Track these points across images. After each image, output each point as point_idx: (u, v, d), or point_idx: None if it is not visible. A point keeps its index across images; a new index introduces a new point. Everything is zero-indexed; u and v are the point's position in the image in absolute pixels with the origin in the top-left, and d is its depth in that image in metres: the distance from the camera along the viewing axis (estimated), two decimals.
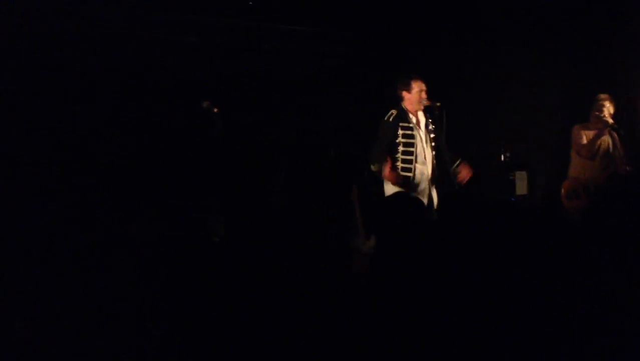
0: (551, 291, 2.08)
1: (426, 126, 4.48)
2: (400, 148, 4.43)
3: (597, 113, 4.94)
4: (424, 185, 4.44)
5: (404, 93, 4.50)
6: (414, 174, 4.41)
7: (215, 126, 4.72)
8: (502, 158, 6.11)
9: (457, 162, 4.48)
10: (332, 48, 6.61)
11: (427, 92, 4.50)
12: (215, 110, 4.74)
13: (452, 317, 2.07)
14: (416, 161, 4.41)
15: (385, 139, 4.42)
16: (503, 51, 6.21)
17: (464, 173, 4.43)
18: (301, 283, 2.27)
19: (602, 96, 4.99)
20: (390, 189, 4.49)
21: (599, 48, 5.72)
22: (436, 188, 4.49)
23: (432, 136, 4.46)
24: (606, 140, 4.97)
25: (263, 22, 6.20)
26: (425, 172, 4.43)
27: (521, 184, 6.03)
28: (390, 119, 4.44)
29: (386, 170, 4.28)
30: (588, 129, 5.03)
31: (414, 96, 4.47)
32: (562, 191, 5.02)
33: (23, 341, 1.90)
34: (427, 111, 4.50)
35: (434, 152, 4.44)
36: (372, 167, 4.41)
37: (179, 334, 1.97)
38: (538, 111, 6.23)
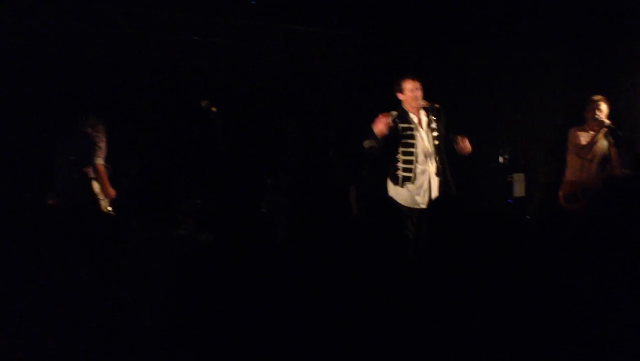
0: (547, 295, 2.08)
1: (429, 124, 4.48)
2: (401, 149, 4.44)
3: (593, 114, 4.92)
4: (425, 183, 4.45)
5: (399, 95, 4.53)
6: (415, 174, 4.41)
7: (214, 125, 4.71)
8: (500, 160, 6.12)
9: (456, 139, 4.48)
10: (332, 49, 6.61)
11: (423, 90, 4.50)
12: (214, 109, 4.73)
13: (444, 318, 2.08)
14: (417, 161, 4.42)
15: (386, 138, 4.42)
16: (502, 54, 6.23)
17: (463, 145, 4.42)
18: (294, 285, 2.27)
19: (597, 97, 4.97)
20: (392, 188, 4.51)
21: (597, 50, 5.74)
22: (438, 186, 4.49)
23: (434, 134, 4.46)
24: (603, 142, 4.96)
25: (265, 22, 6.20)
26: (427, 171, 4.44)
27: (519, 186, 6.04)
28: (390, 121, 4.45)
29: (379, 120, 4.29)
30: (585, 130, 5.02)
31: (408, 96, 4.49)
32: (560, 194, 5.02)
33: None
34: (429, 110, 4.50)
35: (437, 151, 4.45)
36: (365, 145, 4.38)
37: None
38: (536, 113, 6.24)
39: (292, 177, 6.63)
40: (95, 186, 4.85)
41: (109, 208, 4.93)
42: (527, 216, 5.72)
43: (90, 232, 1.99)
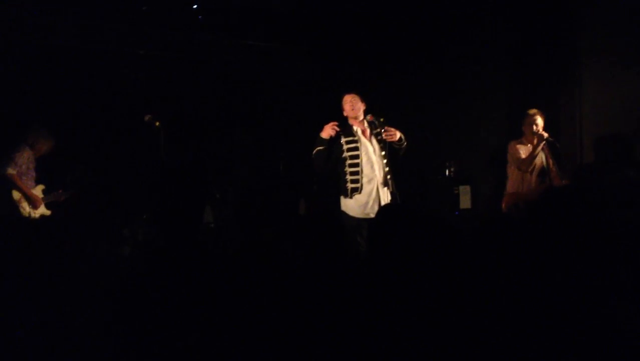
0: (492, 304, 2.10)
1: (374, 135, 4.56)
2: (348, 161, 4.53)
3: (531, 128, 5.00)
4: (373, 192, 4.51)
5: (343, 112, 4.66)
6: (362, 184, 4.47)
7: (157, 140, 4.65)
8: (447, 173, 6.20)
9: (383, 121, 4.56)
10: (280, 62, 6.63)
11: (362, 100, 4.62)
12: (157, 123, 4.68)
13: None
14: (362, 171, 4.49)
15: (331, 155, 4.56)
16: (447, 70, 6.35)
17: (390, 132, 4.50)
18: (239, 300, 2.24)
19: (532, 111, 5.06)
20: (343, 202, 4.56)
21: (536, 66, 5.91)
22: (387, 195, 4.55)
23: (380, 145, 4.54)
24: (541, 154, 5.05)
25: (212, 35, 6.17)
26: (374, 180, 4.50)
27: (465, 198, 6.13)
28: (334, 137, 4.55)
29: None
30: (523, 143, 5.10)
31: (347, 109, 4.63)
32: (503, 205, 5.10)
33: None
34: (374, 123, 4.58)
35: (384, 160, 4.52)
36: (314, 153, 4.52)
37: None
38: (481, 127, 6.37)
39: (241, 192, 6.58)
40: (15, 195, 4.91)
41: (35, 213, 4.95)
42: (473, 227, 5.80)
43: (11, 243, 1.94)
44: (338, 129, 4.48)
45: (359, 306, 2.30)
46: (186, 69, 6.16)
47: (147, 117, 4.74)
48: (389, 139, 4.49)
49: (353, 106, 4.58)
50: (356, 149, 4.52)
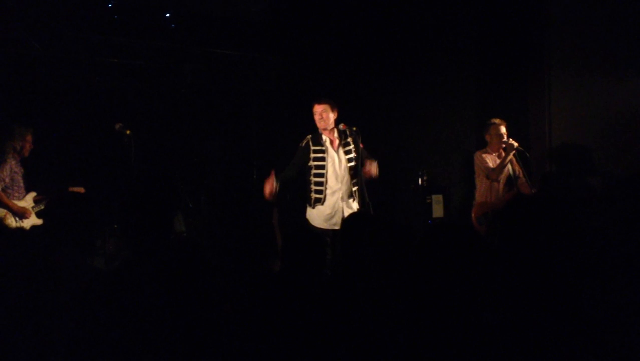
0: (464, 314, 2.13)
1: (342, 146, 4.56)
2: (313, 171, 4.53)
3: (499, 138, 4.98)
4: (337, 204, 4.51)
5: (315, 121, 4.62)
6: (325, 195, 4.48)
7: (128, 149, 4.61)
8: (419, 182, 6.24)
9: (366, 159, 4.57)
10: (258, 72, 6.64)
11: (334, 110, 4.60)
12: (128, 132, 4.64)
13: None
14: (327, 182, 4.49)
15: (297, 163, 4.54)
16: (418, 80, 6.43)
17: (369, 168, 4.49)
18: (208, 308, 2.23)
19: (497, 120, 5.05)
20: (308, 211, 4.56)
21: (505, 77, 6.00)
22: (351, 206, 4.55)
23: (348, 156, 4.53)
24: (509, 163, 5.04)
25: (185, 44, 6.16)
26: (338, 192, 4.50)
27: (437, 207, 6.18)
28: (304, 145, 4.56)
29: (267, 183, 4.39)
30: (489, 153, 5.08)
31: (316, 120, 4.61)
32: (473, 215, 5.12)
33: None
34: (345, 133, 4.58)
35: (349, 172, 4.51)
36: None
37: None
38: (453, 136, 6.44)
39: (214, 200, 6.56)
40: (0, 211, 4.78)
41: (25, 224, 4.84)
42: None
43: None
44: (277, 188, 4.40)
45: (326, 313, 2.31)
46: (158, 77, 6.14)
47: (117, 126, 4.70)
48: (366, 176, 4.45)
49: (322, 117, 4.56)
50: (322, 159, 4.51)
